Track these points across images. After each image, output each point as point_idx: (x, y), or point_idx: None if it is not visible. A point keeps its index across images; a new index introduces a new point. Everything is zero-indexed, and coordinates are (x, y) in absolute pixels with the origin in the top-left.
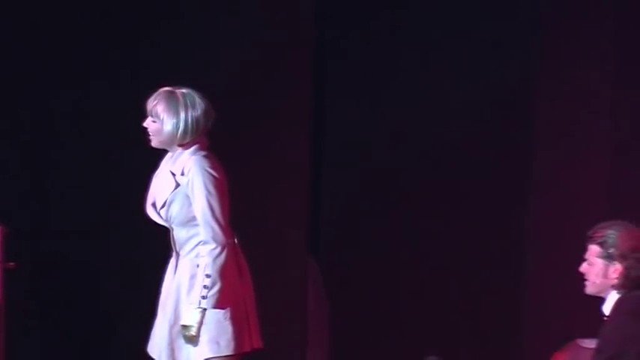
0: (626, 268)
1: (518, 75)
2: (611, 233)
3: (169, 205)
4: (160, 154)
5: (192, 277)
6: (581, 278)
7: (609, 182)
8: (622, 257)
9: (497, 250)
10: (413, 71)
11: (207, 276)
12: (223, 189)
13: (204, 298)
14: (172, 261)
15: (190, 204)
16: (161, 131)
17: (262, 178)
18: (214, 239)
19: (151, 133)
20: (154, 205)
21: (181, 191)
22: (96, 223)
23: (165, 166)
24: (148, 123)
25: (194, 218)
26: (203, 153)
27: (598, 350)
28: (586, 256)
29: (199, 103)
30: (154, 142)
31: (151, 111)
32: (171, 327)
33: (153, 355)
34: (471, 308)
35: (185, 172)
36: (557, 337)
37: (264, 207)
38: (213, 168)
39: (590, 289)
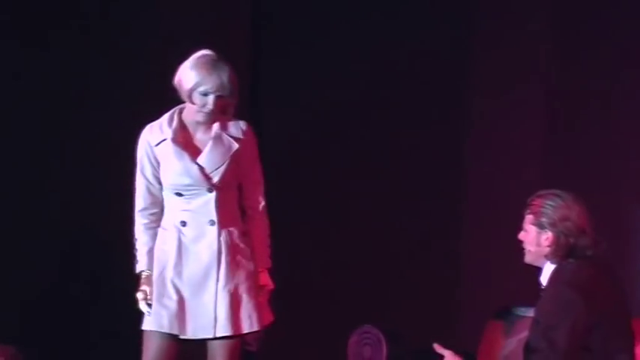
0: (556, 236)
1: (452, 50)
2: (546, 202)
3: (228, 166)
4: None
5: (239, 241)
6: (521, 247)
7: (543, 153)
8: (552, 225)
9: (433, 218)
10: (343, 56)
11: (269, 236)
12: None
13: (269, 258)
14: (193, 231)
15: (238, 167)
16: (230, 104)
17: None
18: (264, 201)
19: (215, 112)
20: (201, 168)
21: (237, 153)
22: None
23: (186, 132)
24: (216, 100)
25: (237, 181)
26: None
27: (535, 321)
28: (523, 224)
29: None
30: (213, 117)
31: (226, 88)
32: (218, 296)
33: (196, 335)
34: (408, 277)
35: (244, 135)
36: (494, 306)
37: None
38: None
39: (527, 257)
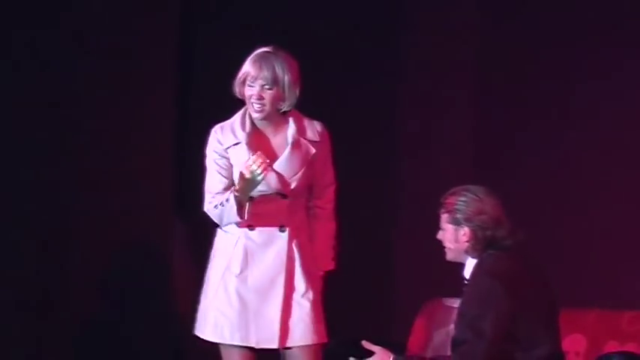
0: (473, 231)
1: (384, 34)
2: (459, 199)
3: (305, 173)
4: None
5: (307, 246)
6: (442, 245)
7: (474, 148)
8: (468, 220)
9: (365, 212)
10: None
11: (334, 238)
12: None
13: (333, 260)
14: (261, 236)
15: (312, 169)
16: (281, 96)
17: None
18: (334, 202)
19: (264, 103)
20: (278, 174)
21: (313, 157)
22: None
23: (258, 135)
24: (261, 92)
25: (310, 183)
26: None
27: (460, 314)
28: (440, 223)
29: (298, 65)
30: (266, 112)
31: (270, 78)
32: (284, 306)
33: (259, 345)
34: (341, 271)
35: (320, 137)
36: (424, 299)
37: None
38: None
39: (448, 255)
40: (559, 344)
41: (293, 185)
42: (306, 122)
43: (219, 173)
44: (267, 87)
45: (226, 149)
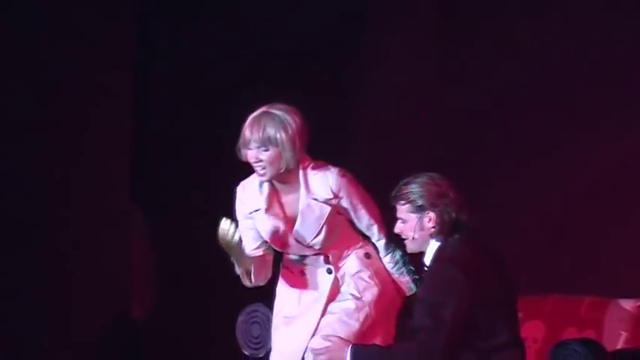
0: (439, 214)
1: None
2: (414, 187)
3: (327, 232)
4: None
5: (360, 265)
6: (400, 238)
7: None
8: (432, 205)
9: None
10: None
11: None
12: (363, 188)
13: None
14: (312, 278)
15: (341, 221)
16: (279, 156)
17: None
18: (385, 236)
19: (263, 166)
20: (297, 240)
21: (333, 212)
22: None
23: (277, 198)
24: (258, 154)
25: (343, 232)
26: (329, 166)
27: (421, 300)
28: (398, 216)
29: (297, 113)
30: (268, 175)
31: (262, 139)
32: (308, 339)
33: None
34: None
35: (336, 193)
36: None
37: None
38: (347, 174)
39: (411, 246)
40: (518, 331)
41: (316, 247)
42: (318, 178)
43: (249, 232)
44: (262, 149)
45: (248, 214)
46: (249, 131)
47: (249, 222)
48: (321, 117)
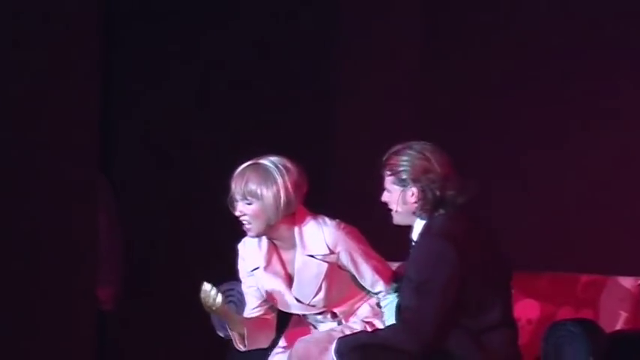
0: (422, 191)
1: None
2: (402, 158)
3: (327, 289)
4: None
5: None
6: (386, 208)
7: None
8: (415, 181)
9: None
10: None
11: None
12: (363, 236)
13: None
14: (325, 327)
15: (345, 276)
16: (262, 210)
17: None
18: (389, 285)
19: (248, 220)
20: (298, 300)
21: (333, 269)
22: None
23: (276, 255)
24: (241, 209)
25: (349, 287)
26: (325, 219)
27: (408, 278)
28: (385, 185)
29: (291, 166)
30: (255, 230)
31: (243, 192)
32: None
33: None
34: None
35: (332, 249)
36: None
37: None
38: (347, 227)
39: (396, 218)
40: (510, 310)
41: (319, 305)
42: (312, 233)
43: (251, 290)
44: (246, 202)
45: (251, 271)
46: (233, 183)
47: (251, 280)
48: (301, 119)
